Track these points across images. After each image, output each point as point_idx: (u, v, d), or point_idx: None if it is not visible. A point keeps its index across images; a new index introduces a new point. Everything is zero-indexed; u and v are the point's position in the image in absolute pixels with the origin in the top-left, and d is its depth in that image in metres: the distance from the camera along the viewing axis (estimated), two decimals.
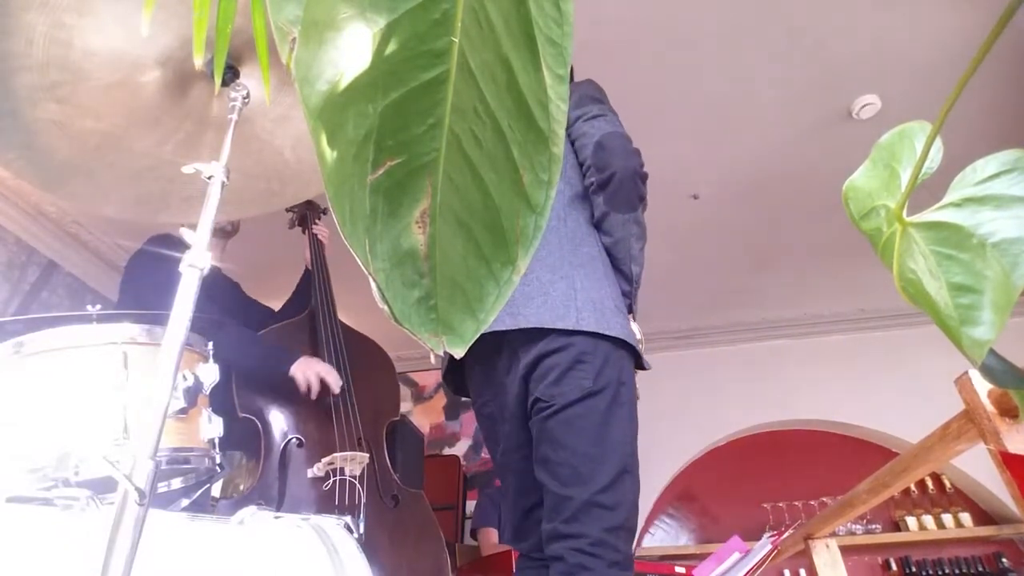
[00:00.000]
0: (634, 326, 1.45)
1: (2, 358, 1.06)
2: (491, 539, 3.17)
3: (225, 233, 2.15)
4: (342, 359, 2.12)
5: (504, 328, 1.30)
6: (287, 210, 2.52)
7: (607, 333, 1.29)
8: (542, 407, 1.29)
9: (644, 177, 1.42)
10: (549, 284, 1.32)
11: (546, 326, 1.28)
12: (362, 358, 2.21)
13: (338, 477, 1.81)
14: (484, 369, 1.43)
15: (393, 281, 0.31)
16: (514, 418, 1.38)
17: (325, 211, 2.54)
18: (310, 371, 1.94)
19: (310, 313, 2.23)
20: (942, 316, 0.37)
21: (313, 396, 1.93)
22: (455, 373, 1.54)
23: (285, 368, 1.92)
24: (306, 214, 2.49)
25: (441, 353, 0.32)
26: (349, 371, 2.11)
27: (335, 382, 1.97)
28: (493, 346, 1.37)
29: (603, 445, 1.26)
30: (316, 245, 2.40)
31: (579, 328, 1.27)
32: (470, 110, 0.31)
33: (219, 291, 2.14)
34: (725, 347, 4.43)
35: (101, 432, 1.01)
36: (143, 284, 1.88)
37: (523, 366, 1.32)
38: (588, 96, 1.56)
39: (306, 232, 2.45)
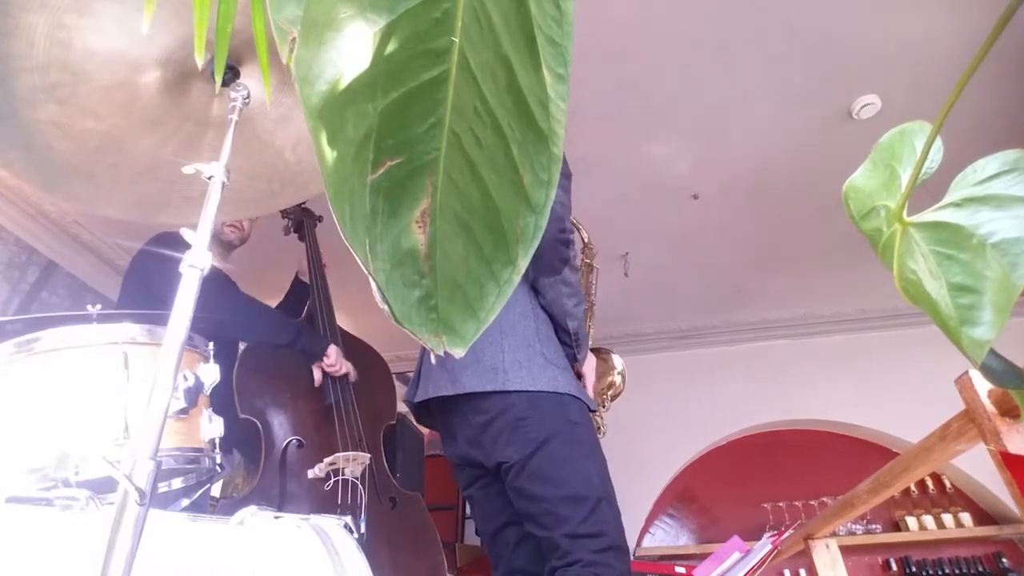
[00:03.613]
0: (619, 368, 1.61)
1: (2, 358, 1.06)
2: None
3: (231, 246, 2.17)
4: None
5: (447, 394, 1.46)
6: (282, 216, 2.52)
7: (531, 389, 1.41)
8: (507, 470, 1.42)
9: (565, 242, 1.54)
10: (481, 350, 1.46)
11: (478, 390, 1.42)
12: (360, 362, 2.22)
13: (339, 478, 1.81)
14: (443, 422, 1.59)
15: (393, 281, 0.31)
16: (464, 467, 1.57)
17: (321, 218, 2.54)
18: (341, 358, 2.06)
19: (308, 317, 2.24)
20: (942, 316, 0.37)
21: (341, 371, 2.05)
22: (424, 418, 1.67)
23: (324, 344, 2.03)
24: (302, 220, 2.49)
25: (442, 353, 0.32)
26: None
27: (354, 375, 2.11)
28: (445, 406, 1.52)
29: (571, 485, 1.36)
30: (314, 253, 2.40)
31: (506, 388, 1.41)
32: (470, 110, 0.31)
33: (224, 284, 2.16)
34: (725, 347, 4.43)
35: (101, 432, 1.01)
36: (148, 283, 1.89)
37: (472, 427, 1.47)
38: None
39: (304, 239, 2.45)
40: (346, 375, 2.09)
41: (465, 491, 1.61)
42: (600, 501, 1.34)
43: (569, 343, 1.58)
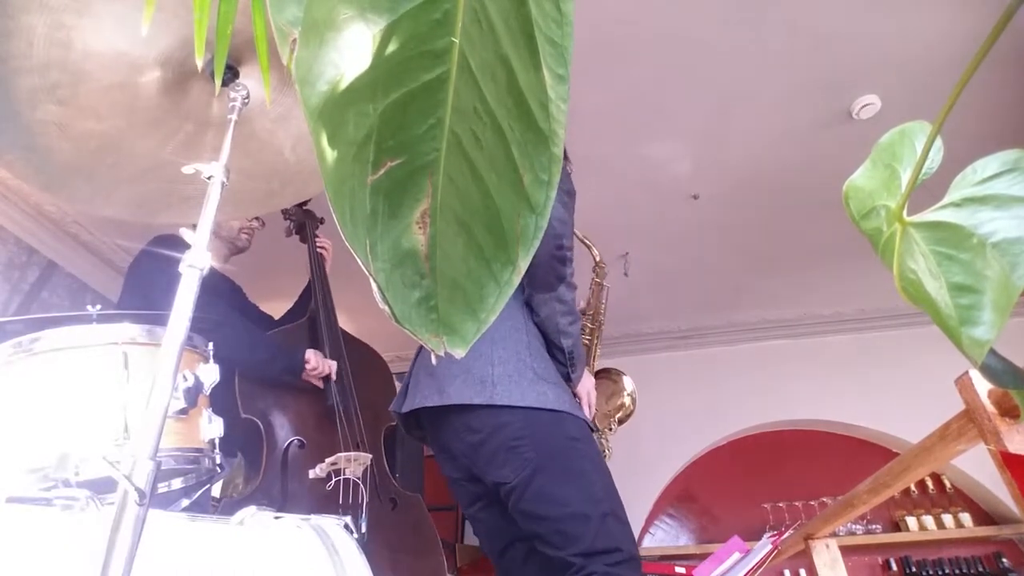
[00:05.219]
0: (629, 390, 1.55)
1: (2, 358, 1.06)
2: None
3: (237, 248, 2.16)
4: (343, 363, 2.14)
5: (434, 404, 1.41)
6: (285, 218, 2.51)
7: (519, 404, 1.36)
8: (508, 491, 1.37)
9: (562, 260, 1.49)
10: (471, 361, 1.42)
11: (465, 402, 1.38)
12: (361, 363, 2.22)
13: (341, 478, 1.81)
14: (435, 438, 1.54)
15: (394, 282, 0.31)
16: (462, 481, 1.52)
17: (323, 220, 2.53)
18: (322, 359, 2.03)
19: (310, 318, 2.23)
20: (942, 316, 0.37)
21: (325, 372, 2.02)
22: (413, 430, 1.62)
23: (300, 355, 1.99)
24: (304, 222, 2.48)
25: (442, 353, 0.32)
26: (350, 374, 2.12)
27: (335, 373, 2.08)
28: (436, 421, 1.47)
29: (576, 502, 1.33)
30: (315, 255, 2.39)
31: (494, 402, 1.35)
32: (470, 110, 0.31)
33: (224, 292, 2.14)
34: (725, 347, 4.43)
35: (101, 432, 1.01)
36: (147, 285, 1.88)
37: (465, 444, 1.42)
38: None
39: (305, 241, 2.44)
40: (329, 375, 2.06)
41: (467, 510, 1.58)
42: (606, 516, 1.32)
43: (563, 362, 1.54)
